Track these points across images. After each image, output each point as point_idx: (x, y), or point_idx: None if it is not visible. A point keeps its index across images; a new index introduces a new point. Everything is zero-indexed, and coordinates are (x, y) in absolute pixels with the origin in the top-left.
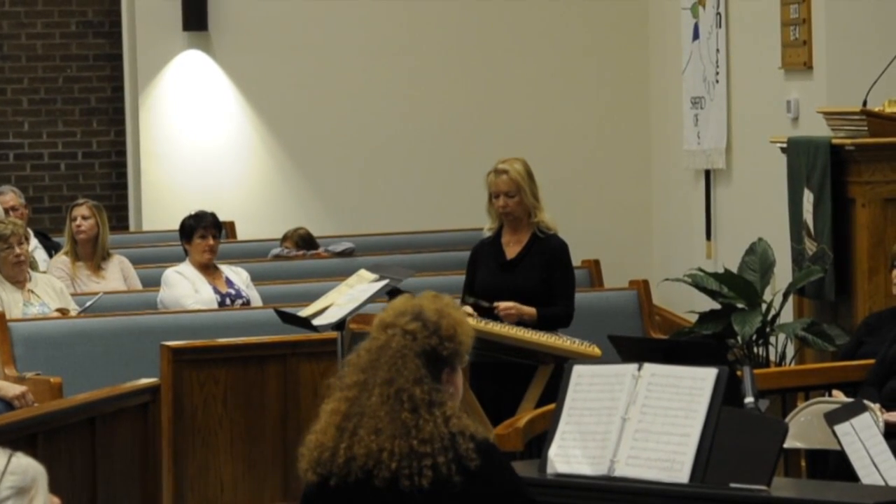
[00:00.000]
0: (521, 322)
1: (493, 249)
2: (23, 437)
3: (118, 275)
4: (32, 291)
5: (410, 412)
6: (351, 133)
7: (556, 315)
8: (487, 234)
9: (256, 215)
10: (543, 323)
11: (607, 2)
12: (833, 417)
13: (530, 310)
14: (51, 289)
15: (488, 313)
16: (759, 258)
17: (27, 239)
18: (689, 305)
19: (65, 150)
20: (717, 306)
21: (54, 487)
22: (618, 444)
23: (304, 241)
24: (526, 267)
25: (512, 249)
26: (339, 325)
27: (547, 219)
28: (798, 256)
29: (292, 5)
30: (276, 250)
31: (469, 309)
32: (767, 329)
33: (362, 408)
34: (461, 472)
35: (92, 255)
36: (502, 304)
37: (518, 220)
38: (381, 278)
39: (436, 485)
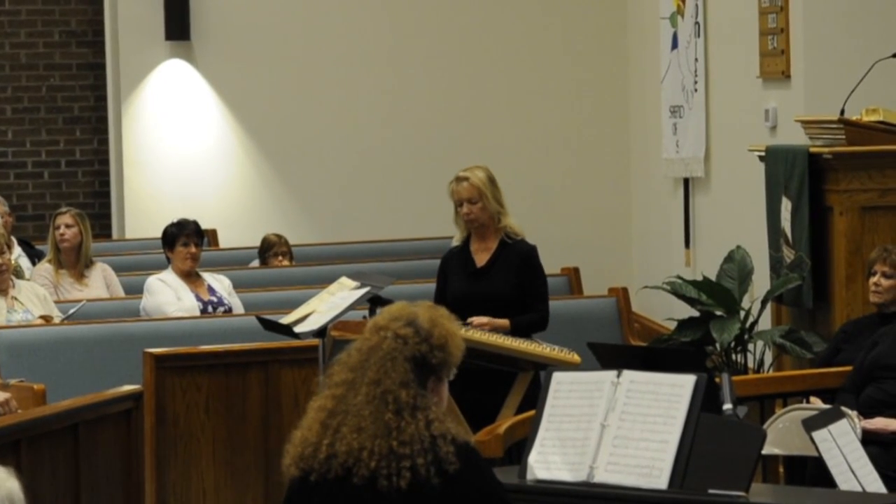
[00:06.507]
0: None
1: (463, 258)
2: (6, 444)
3: (101, 282)
4: (16, 299)
5: (394, 414)
6: (332, 141)
7: (531, 322)
8: (456, 244)
9: (238, 223)
10: (519, 332)
11: (586, 11)
12: (811, 424)
13: (503, 322)
14: (34, 296)
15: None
16: (737, 266)
17: (10, 247)
18: (667, 313)
19: (48, 158)
20: (695, 313)
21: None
22: (597, 451)
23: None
24: (497, 274)
25: (481, 257)
26: (321, 333)
27: (513, 224)
28: (776, 264)
29: (274, 15)
30: (255, 263)
31: None
32: (745, 336)
33: (348, 406)
34: (440, 475)
35: (75, 262)
36: (476, 320)
37: (484, 226)
38: (363, 286)
39: (413, 486)
